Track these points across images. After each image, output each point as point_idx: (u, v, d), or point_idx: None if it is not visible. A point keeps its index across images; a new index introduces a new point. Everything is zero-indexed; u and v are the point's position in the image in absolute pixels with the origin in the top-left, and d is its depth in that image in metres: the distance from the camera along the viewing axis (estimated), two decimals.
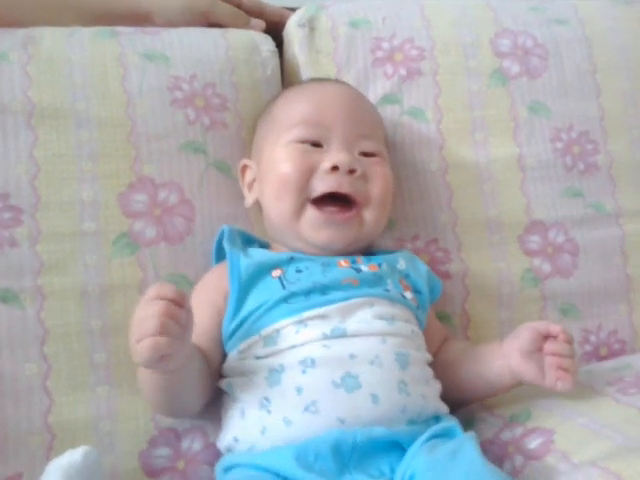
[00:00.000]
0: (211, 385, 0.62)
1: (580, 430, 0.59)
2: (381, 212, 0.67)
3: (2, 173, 0.64)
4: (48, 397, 0.61)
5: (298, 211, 0.64)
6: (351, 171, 0.64)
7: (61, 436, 0.61)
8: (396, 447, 0.55)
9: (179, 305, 0.52)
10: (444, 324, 0.76)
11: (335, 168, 0.64)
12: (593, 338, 0.79)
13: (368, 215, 0.66)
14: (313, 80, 0.77)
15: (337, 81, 0.76)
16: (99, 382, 0.63)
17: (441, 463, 0.51)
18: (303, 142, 0.66)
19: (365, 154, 0.67)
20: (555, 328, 0.62)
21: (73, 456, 0.53)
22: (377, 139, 0.70)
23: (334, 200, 0.64)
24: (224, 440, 0.59)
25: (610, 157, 0.85)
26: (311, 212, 0.64)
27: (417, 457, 0.53)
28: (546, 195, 0.81)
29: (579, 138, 0.84)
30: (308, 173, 0.64)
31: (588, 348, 0.79)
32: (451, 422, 0.59)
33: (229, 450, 0.59)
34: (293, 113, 0.68)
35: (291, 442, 0.55)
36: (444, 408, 0.61)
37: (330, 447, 0.53)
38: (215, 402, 0.63)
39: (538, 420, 0.63)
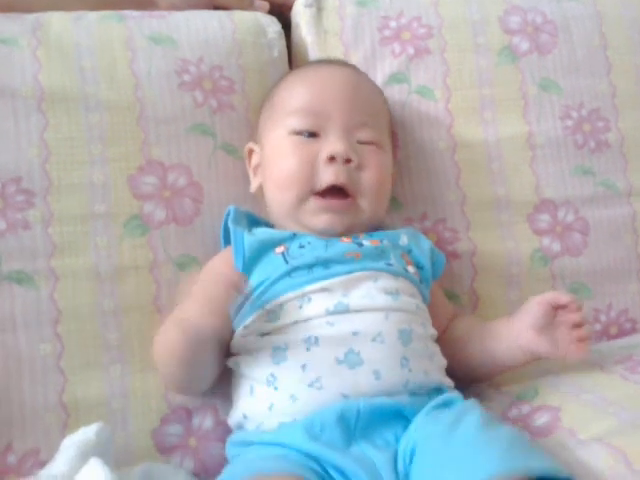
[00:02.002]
0: (222, 362, 0.63)
1: (586, 407, 0.59)
2: (376, 200, 0.68)
3: (14, 157, 0.65)
4: (62, 376, 0.63)
5: (301, 202, 0.66)
6: (347, 161, 0.65)
7: (75, 414, 0.62)
8: (400, 417, 0.56)
9: None
10: (453, 304, 0.76)
11: (332, 158, 0.64)
12: (603, 317, 0.79)
13: (363, 203, 0.66)
14: (315, 63, 0.76)
15: (339, 64, 0.74)
16: (112, 361, 0.64)
17: (440, 436, 0.52)
18: (301, 133, 0.66)
19: (362, 142, 0.67)
20: (564, 298, 0.62)
21: (87, 433, 0.54)
22: (377, 127, 0.69)
23: (333, 189, 0.65)
24: (234, 417, 0.61)
25: (621, 135, 0.84)
26: (314, 202, 0.65)
27: (419, 429, 0.54)
28: (556, 174, 0.81)
29: (590, 116, 0.83)
30: (309, 166, 0.65)
31: (598, 327, 0.79)
32: (453, 394, 0.59)
33: (239, 427, 0.60)
34: (291, 100, 0.69)
35: (297, 417, 0.56)
36: (448, 382, 0.62)
37: (335, 418, 0.54)
38: (225, 380, 0.64)
39: (545, 398, 0.63)
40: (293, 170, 0.65)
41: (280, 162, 0.66)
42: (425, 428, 0.54)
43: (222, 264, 0.65)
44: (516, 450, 0.49)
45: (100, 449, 0.54)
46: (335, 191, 0.65)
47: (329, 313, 0.59)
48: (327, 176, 0.65)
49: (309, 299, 0.60)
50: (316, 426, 0.54)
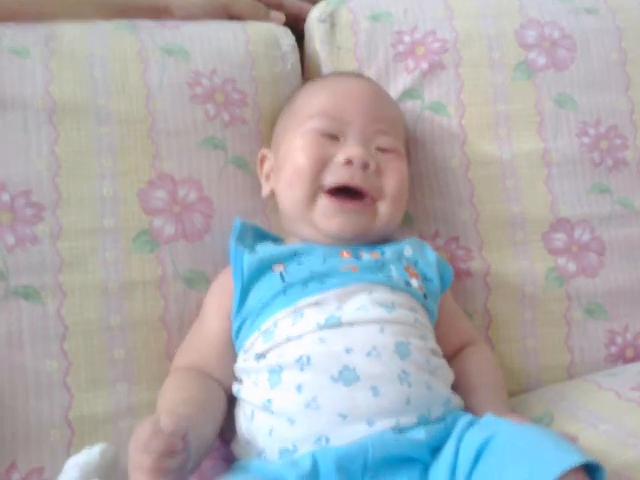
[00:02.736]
0: (226, 399, 0.62)
1: (604, 438, 0.57)
2: (395, 206, 0.67)
3: (24, 170, 0.64)
4: (68, 393, 0.62)
5: (310, 200, 0.65)
6: (365, 166, 0.64)
7: (81, 431, 0.62)
8: (413, 461, 0.53)
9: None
10: None
11: (349, 162, 0.64)
12: (619, 339, 0.77)
13: (382, 208, 0.66)
14: (336, 73, 0.76)
15: (360, 76, 0.75)
16: (118, 378, 0.63)
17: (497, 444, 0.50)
18: (320, 134, 0.66)
19: (381, 150, 0.67)
20: None
21: (90, 454, 0.53)
22: (395, 136, 0.69)
23: (347, 193, 0.64)
24: (237, 445, 0.59)
25: (639, 152, 0.82)
26: (323, 201, 0.64)
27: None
28: (572, 192, 0.79)
29: (607, 133, 0.82)
30: (321, 164, 0.64)
31: (614, 350, 0.77)
32: (470, 416, 0.56)
33: (241, 455, 0.59)
34: (313, 104, 0.68)
35: (297, 443, 0.54)
36: (457, 400, 0.59)
37: (335, 469, 0.51)
38: (229, 401, 0.63)
39: (561, 425, 0.62)
40: (304, 165, 0.64)
41: (293, 158, 0.66)
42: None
43: (223, 283, 0.64)
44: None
45: (104, 470, 0.53)
46: (349, 193, 0.64)
47: (320, 327, 0.57)
48: (337, 176, 0.64)
49: (301, 314, 0.58)
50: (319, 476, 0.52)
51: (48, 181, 0.65)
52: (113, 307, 0.64)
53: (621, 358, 0.77)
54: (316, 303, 0.59)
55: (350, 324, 0.57)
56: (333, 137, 0.66)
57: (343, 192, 0.64)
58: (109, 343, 0.64)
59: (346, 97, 0.68)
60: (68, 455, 0.56)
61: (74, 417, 0.62)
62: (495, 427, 0.52)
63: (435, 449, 0.54)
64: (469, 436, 0.52)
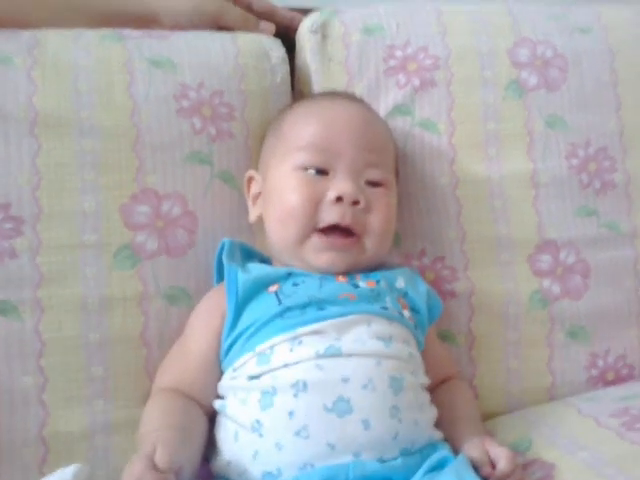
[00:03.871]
0: (207, 421, 0.61)
1: (581, 466, 0.57)
2: (381, 241, 0.67)
3: (4, 182, 0.63)
4: (44, 410, 0.61)
5: (303, 238, 0.64)
6: (355, 202, 0.64)
7: (56, 449, 0.61)
8: None
9: None
10: (448, 344, 0.75)
11: (339, 199, 0.63)
12: (600, 362, 0.78)
13: (368, 243, 0.65)
14: (325, 95, 0.74)
15: (349, 99, 0.73)
16: (95, 395, 0.63)
17: None
18: (309, 168, 0.65)
19: (371, 183, 0.66)
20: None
21: (64, 475, 0.52)
22: (385, 166, 0.68)
23: (337, 228, 0.64)
24: (217, 463, 0.59)
25: (627, 175, 0.82)
26: (316, 239, 0.64)
27: None
28: (559, 214, 0.79)
29: (596, 154, 0.81)
30: (314, 204, 0.64)
31: (594, 372, 0.77)
32: (445, 452, 0.58)
33: (223, 475, 0.58)
34: (301, 135, 0.67)
35: (281, 467, 0.54)
36: (438, 435, 0.60)
37: None
38: (211, 419, 0.62)
39: (539, 451, 0.62)
40: (297, 206, 0.64)
41: (284, 197, 0.65)
42: None
43: (213, 303, 0.64)
44: None
45: None
46: (338, 229, 0.64)
47: (319, 356, 0.57)
48: (332, 215, 0.63)
49: (300, 342, 0.58)
50: None
51: (28, 194, 0.64)
52: (92, 323, 0.64)
53: (601, 381, 0.77)
54: (315, 332, 0.59)
55: (349, 355, 0.58)
56: (322, 171, 0.65)
57: (333, 228, 0.64)
58: (87, 360, 0.63)
59: (335, 126, 0.66)
60: (41, 474, 0.56)
61: (49, 434, 0.61)
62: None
63: (409, 472, 0.55)
64: None
